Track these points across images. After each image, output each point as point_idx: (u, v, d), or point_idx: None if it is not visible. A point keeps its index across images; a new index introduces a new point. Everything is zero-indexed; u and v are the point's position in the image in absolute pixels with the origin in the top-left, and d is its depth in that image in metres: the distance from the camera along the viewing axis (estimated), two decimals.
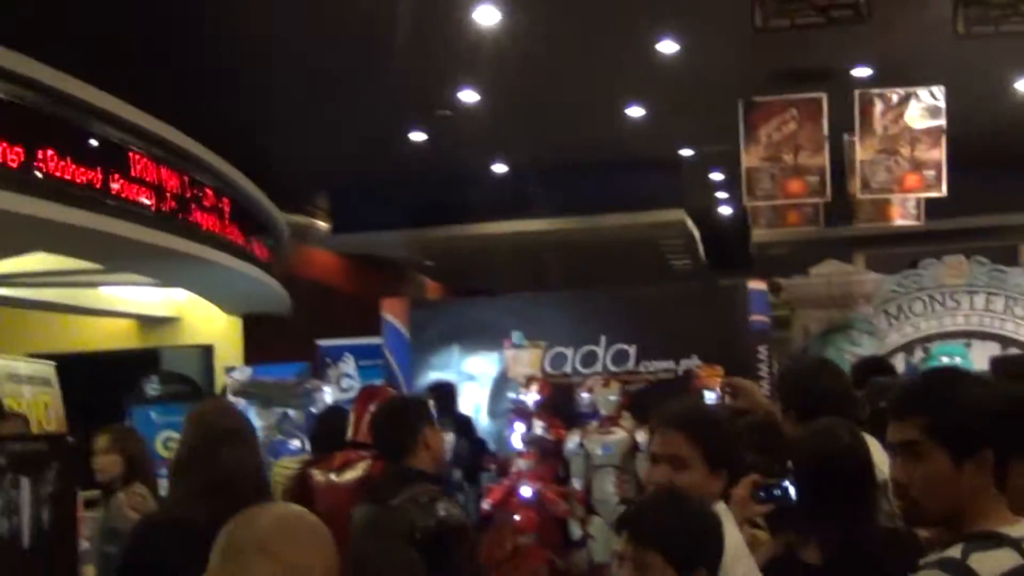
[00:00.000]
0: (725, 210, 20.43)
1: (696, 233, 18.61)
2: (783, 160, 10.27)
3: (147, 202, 9.62)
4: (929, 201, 12.61)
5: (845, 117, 11.37)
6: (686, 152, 15.56)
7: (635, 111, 12.72)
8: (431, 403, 8.09)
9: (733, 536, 2.90)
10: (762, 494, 3.35)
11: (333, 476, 5.42)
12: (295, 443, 9.60)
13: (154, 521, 4.11)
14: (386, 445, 4.32)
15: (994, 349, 13.92)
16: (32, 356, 11.25)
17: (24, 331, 14.36)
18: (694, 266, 21.69)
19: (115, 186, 9.09)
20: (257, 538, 2.14)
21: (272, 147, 13.71)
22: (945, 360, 11.20)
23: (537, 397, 9.40)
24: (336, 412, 6.78)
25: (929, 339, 13.44)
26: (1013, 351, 13.88)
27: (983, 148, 12.93)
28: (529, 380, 9.59)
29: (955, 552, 2.28)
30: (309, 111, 12.38)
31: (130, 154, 9.50)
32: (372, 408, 5.52)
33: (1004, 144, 14.51)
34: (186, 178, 10.51)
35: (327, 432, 6.24)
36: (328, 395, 9.99)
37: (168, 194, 10.13)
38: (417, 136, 13.58)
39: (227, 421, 3.93)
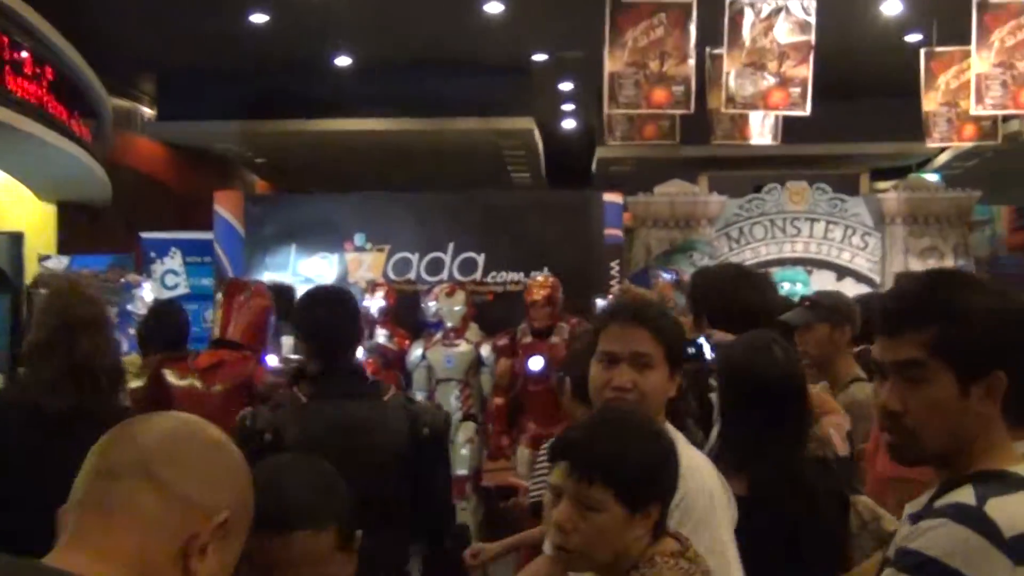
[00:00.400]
0: (569, 124, 20.21)
1: (540, 145, 18.28)
2: (648, 67, 9.88)
3: None
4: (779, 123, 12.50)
5: (708, 30, 11.05)
6: (539, 58, 15.14)
7: (492, 7, 12.19)
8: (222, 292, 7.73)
9: (691, 460, 2.49)
10: None
11: (196, 381, 5.05)
12: None
13: (4, 399, 4.12)
14: (335, 337, 3.88)
15: (831, 278, 14.10)
16: None
17: None
18: (534, 180, 21.50)
19: None
20: (139, 459, 1.57)
21: (98, 19, 12.76)
22: (788, 288, 11.13)
23: (382, 303, 8.98)
24: (172, 306, 6.25)
25: (768, 264, 13.47)
26: (849, 280, 14.07)
27: (838, 72, 12.81)
28: (373, 285, 9.26)
29: (967, 497, 1.90)
30: None
31: None
32: (241, 300, 5.26)
33: (859, 69, 14.49)
34: (3, 38, 9.50)
35: (162, 328, 5.69)
36: (148, 291, 9.31)
37: None
38: (257, 17, 12.81)
39: (85, 308, 3.81)
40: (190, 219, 12.33)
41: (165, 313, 6.00)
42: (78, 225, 14.80)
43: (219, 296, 5.66)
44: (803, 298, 4.91)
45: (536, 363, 8.22)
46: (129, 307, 9.21)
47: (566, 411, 4.10)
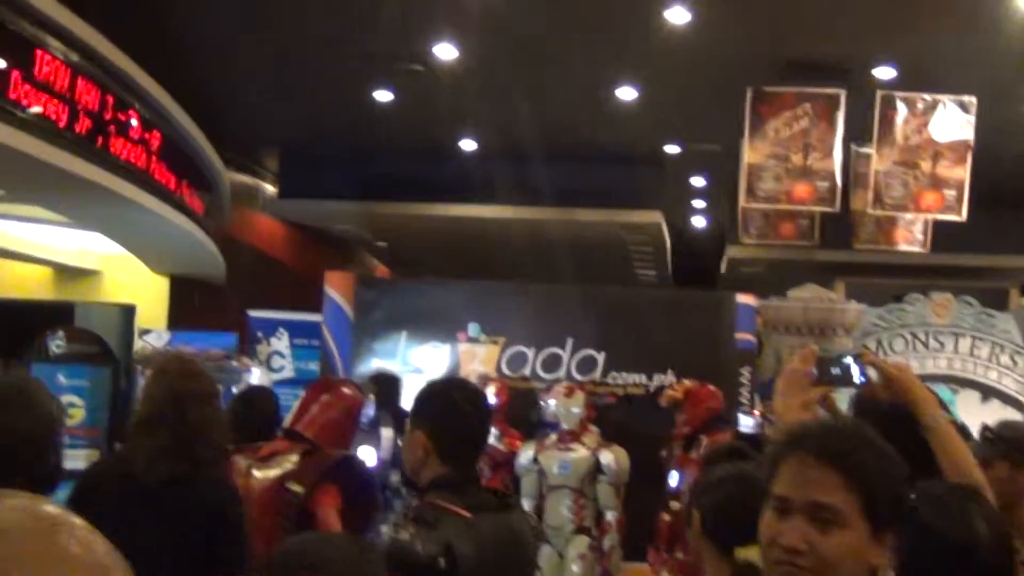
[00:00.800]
0: (699, 221, 19.71)
1: (668, 241, 17.77)
2: (791, 160, 9.29)
3: (52, 115, 8.26)
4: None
5: (854, 125, 10.44)
6: (671, 149, 14.66)
7: (626, 93, 11.76)
8: (371, 396, 7.28)
9: None
10: (817, 371, 2.72)
11: (255, 471, 4.81)
12: None
13: (100, 470, 4.16)
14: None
15: (975, 398, 13.22)
16: None
17: None
18: (659, 277, 20.97)
19: (14, 87, 7.73)
20: None
21: (219, 90, 12.63)
22: None
23: (494, 400, 8.46)
24: (264, 393, 5.87)
25: None
26: (995, 402, 13.18)
27: (989, 178, 12.05)
28: (485, 379, 8.80)
29: None
30: (264, 53, 11.28)
31: (37, 51, 8.12)
32: (324, 399, 5.01)
33: (1012, 176, 13.70)
34: (109, 97, 9.21)
35: (251, 416, 5.33)
36: (256, 376, 8.92)
37: (82, 111, 8.76)
38: (382, 95, 12.55)
39: (195, 382, 3.88)
40: (304, 300, 12.01)
41: (253, 401, 5.62)
42: (190, 300, 14.66)
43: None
44: (984, 428, 4.20)
45: (672, 479, 7.59)
46: (234, 390, 8.83)
47: (693, 548, 3.45)
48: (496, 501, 3.26)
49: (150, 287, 14.35)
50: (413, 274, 20.72)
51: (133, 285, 14.28)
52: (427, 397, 3.38)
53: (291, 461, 4.75)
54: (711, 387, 7.92)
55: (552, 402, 8.37)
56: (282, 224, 17.79)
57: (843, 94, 9.61)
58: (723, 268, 18.54)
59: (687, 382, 8.12)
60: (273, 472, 4.80)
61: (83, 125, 8.75)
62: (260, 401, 5.67)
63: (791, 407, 2.69)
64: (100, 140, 9.19)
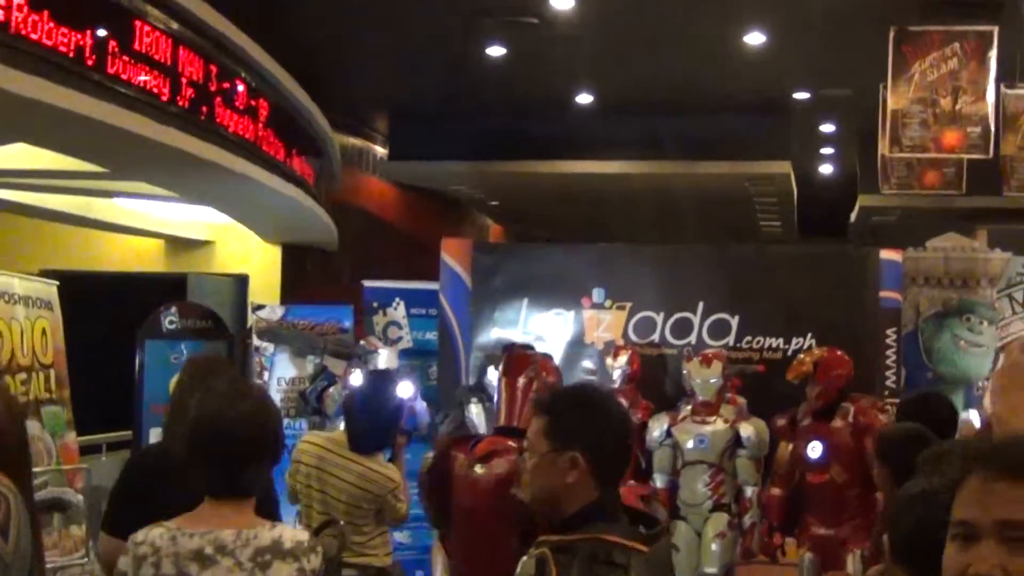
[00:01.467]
0: (827, 169, 19.16)
1: (795, 190, 17.26)
2: (939, 104, 8.74)
3: (154, 88, 8.02)
4: None
5: (1004, 62, 9.86)
6: (800, 96, 14.16)
7: (754, 39, 11.28)
8: (495, 366, 7.06)
9: None
10: None
11: (477, 467, 4.82)
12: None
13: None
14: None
15: None
16: (41, 273, 10.08)
17: (32, 244, 13.27)
18: (785, 230, 20.52)
19: (112, 60, 7.42)
20: None
21: (325, 52, 12.47)
22: None
23: (625, 368, 8.24)
24: (379, 399, 5.65)
25: None
26: None
27: None
28: (616, 348, 8.49)
29: None
30: (370, 10, 11.06)
31: (136, 22, 7.83)
32: (525, 382, 4.98)
33: None
34: (213, 67, 8.94)
35: (370, 430, 5.24)
36: (383, 358, 8.75)
37: (185, 82, 8.51)
38: (495, 50, 12.25)
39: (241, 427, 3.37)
40: (418, 265, 11.84)
41: (373, 411, 5.45)
42: (303, 269, 14.58)
43: (495, 374, 5.77)
44: None
45: (815, 450, 7.18)
46: (357, 375, 8.65)
47: None
48: (648, 527, 2.88)
49: (262, 256, 14.28)
50: (530, 236, 20.55)
51: (245, 255, 14.22)
52: (581, 410, 2.95)
53: (510, 461, 4.64)
54: (839, 352, 7.52)
55: (687, 370, 8.01)
56: (393, 187, 17.67)
57: (995, 31, 9.00)
58: (853, 217, 18.01)
59: (816, 351, 7.68)
60: (496, 471, 4.70)
61: (186, 97, 8.52)
62: (380, 412, 5.61)
63: (1018, 409, 2.29)
64: (205, 112, 8.96)
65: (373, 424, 5.60)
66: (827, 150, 17.98)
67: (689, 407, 7.96)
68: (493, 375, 8.09)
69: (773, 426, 7.69)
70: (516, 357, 5.51)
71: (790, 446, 7.49)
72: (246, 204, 11.48)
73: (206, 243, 14.20)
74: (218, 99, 9.14)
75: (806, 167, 17.69)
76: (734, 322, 9.11)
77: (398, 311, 10.41)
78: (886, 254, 9.35)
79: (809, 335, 8.83)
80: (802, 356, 7.86)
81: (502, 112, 14.94)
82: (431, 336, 10.11)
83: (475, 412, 7.85)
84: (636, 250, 10.13)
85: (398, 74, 13.58)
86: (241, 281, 13.94)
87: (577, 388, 3.25)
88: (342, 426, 5.88)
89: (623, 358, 8.32)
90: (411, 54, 12.63)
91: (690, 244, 12.36)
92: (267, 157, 10.34)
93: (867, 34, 9.74)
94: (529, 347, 8.91)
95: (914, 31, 8.95)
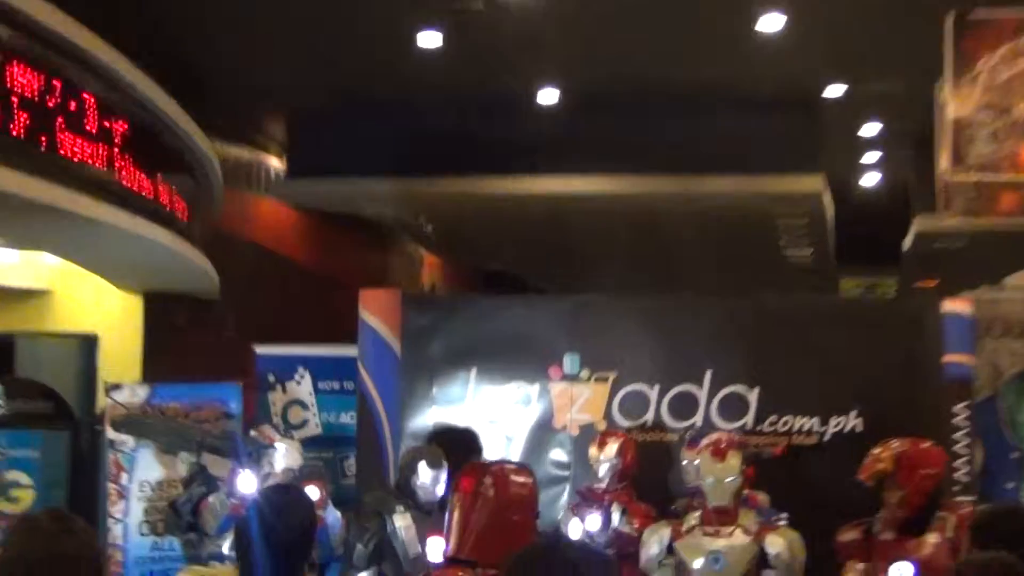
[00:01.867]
0: (871, 180, 19.56)
1: (830, 212, 17.61)
2: (1012, 111, 8.97)
3: None
4: None
5: None
6: (833, 91, 14.45)
7: (772, 22, 11.59)
8: (428, 462, 7.11)
9: None
10: None
11: None
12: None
13: None
14: None
15: None
16: None
17: None
18: (818, 260, 20.84)
19: None
20: None
21: (203, 41, 12.65)
22: None
23: (614, 461, 8.45)
24: (287, 515, 5.60)
25: None
26: None
27: None
28: (603, 435, 8.71)
29: None
30: None
31: None
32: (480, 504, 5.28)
33: None
34: (55, 81, 9.04)
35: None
36: (281, 456, 8.77)
37: (17, 100, 8.59)
38: (427, 39, 12.49)
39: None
40: (331, 322, 11.89)
41: (275, 545, 5.41)
42: (172, 325, 14.66)
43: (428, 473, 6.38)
44: None
45: (903, 573, 7.24)
46: (243, 479, 8.67)
47: None
48: None
49: (117, 309, 14.34)
50: (478, 274, 20.67)
51: (94, 306, 14.25)
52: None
53: None
54: (926, 445, 7.58)
55: (696, 464, 8.08)
56: (294, 211, 17.82)
57: None
58: (907, 244, 18.31)
59: (896, 443, 7.74)
60: None
61: (20, 123, 8.64)
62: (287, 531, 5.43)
63: None
64: (44, 141, 9.08)
65: (276, 564, 5.60)
66: (870, 158, 18.33)
67: (697, 514, 8.02)
68: (426, 474, 8.18)
69: (837, 542, 7.72)
70: (470, 470, 5.68)
71: (859, 566, 7.55)
72: (96, 250, 11.62)
73: (41, 293, 14.17)
74: (60, 120, 9.27)
75: (843, 181, 18.02)
76: (753, 396, 9.26)
77: (302, 386, 10.48)
78: (952, 305, 9.50)
79: (853, 413, 9.04)
80: (877, 451, 7.89)
81: (439, 115, 15.13)
82: (347, 419, 10.19)
83: (400, 525, 7.91)
84: (620, 301, 10.29)
85: (300, 66, 13.80)
86: (88, 344, 13.93)
87: (525, 554, 3.34)
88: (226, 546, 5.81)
89: (612, 448, 8.46)
90: (318, 41, 12.83)
91: (693, 292, 12.51)
92: (124, 193, 10.48)
93: (919, 14, 9.98)
94: (467, 433, 9.07)
95: (976, 20, 9.16)
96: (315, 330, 11.63)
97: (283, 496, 6.23)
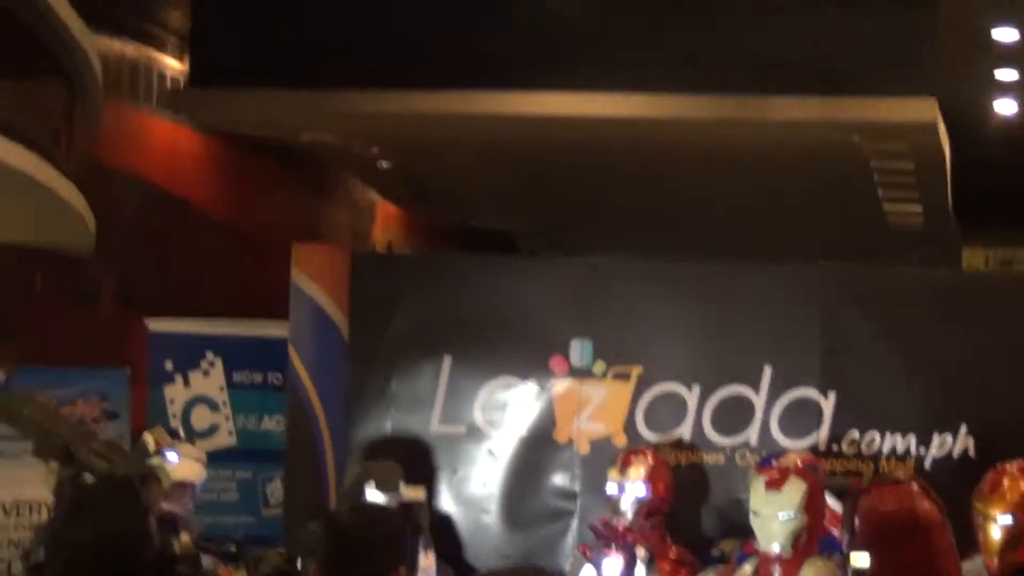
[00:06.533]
0: (1007, 108, 19.67)
1: (947, 149, 17.75)
2: None
3: None
4: None
5: None
6: None
7: None
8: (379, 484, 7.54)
9: None
10: None
11: None
12: None
13: None
14: None
15: None
16: None
17: None
18: (930, 221, 20.93)
19: None
20: None
21: None
22: None
23: (644, 492, 8.72)
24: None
25: None
26: None
27: None
28: (627, 455, 9.02)
29: None
30: None
31: None
32: None
33: None
34: None
35: None
36: (179, 464, 9.04)
37: None
38: None
39: None
40: (250, 290, 12.14)
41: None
42: (31, 285, 14.75)
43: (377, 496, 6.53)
44: None
45: None
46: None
47: None
48: None
49: None
50: (450, 225, 20.82)
51: None
52: None
53: None
54: None
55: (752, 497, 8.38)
56: (198, 135, 17.88)
57: None
58: None
59: (1015, 468, 8.06)
60: None
61: None
62: None
63: None
64: None
65: None
66: (1008, 75, 18.54)
67: (748, 567, 8.33)
68: (375, 497, 8.44)
69: None
70: None
71: None
72: None
73: None
74: None
75: (969, 108, 18.30)
76: (827, 404, 9.53)
77: (211, 378, 10.78)
78: None
79: (963, 428, 9.36)
80: (1006, 480, 8.14)
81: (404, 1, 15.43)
82: (272, 425, 10.50)
83: None
84: (649, 268, 10.48)
85: None
86: None
87: None
88: None
89: (638, 471, 8.82)
90: None
91: (748, 257, 12.63)
92: None
93: None
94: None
95: None
96: (227, 301, 11.79)
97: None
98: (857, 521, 8.20)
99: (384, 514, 4.87)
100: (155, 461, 8.86)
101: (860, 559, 7.90)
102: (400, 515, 5.87)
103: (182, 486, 8.68)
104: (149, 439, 9.20)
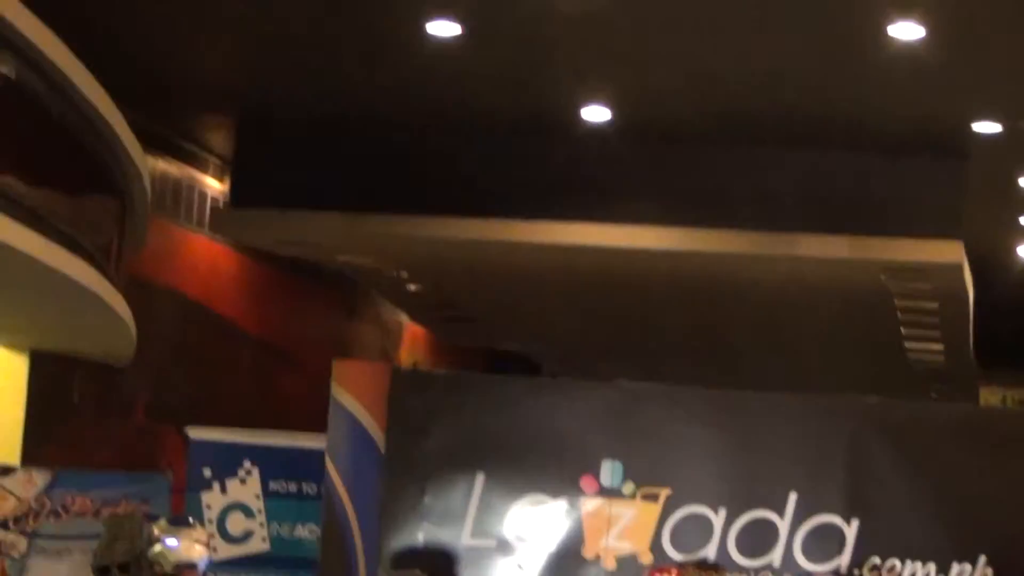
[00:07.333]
0: None
1: (971, 291, 17.81)
2: None
3: None
4: None
5: None
6: (984, 129, 14.81)
7: (904, 32, 11.90)
8: None
9: None
10: None
11: None
12: None
13: None
14: None
15: None
16: None
17: None
18: (951, 361, 20.89)
19: None
20: None
21: (129, 22, 13.06)
22: None
23: None
24: None
25: None
26: None
27: None
28: (652, 573, 9.20)
29: None
30: None
31: None
32: None
33: None
34: None
35: None
36: (174, 542, 9.17)
37: None
38: (440, 28, 12.81)
39: None
40: (285, 404, 12.25)
41: None
42: (66, 395, 14.75)
43: None
44: None
45: None
46: None
47: None
48: None
49: None
50: (481, 349, 20.74)
51: None
52: None
53: None
54: None
55: None
56: (235, 252, 18.07)
57: None
58: None
59: None
60: None
61: None
62: None
63: None
64: None
65: None
66: None
67: None
68: None
69: None
70: None
71: None
72: None
73: None
74: None
75: (992, 251, 18.46)
76: (850, 531, 9.64)
77: (248, 486, 10.87)
78: None
79: (981, 559, 9.46)
80: None
81: (440, 134, 15.68)
82: (305, 534, 10.60)
83: None
84: (678, 395, 10.59)
85: (258, 60, 14.32)
86: None
87: None
88: None
89: None
90: (283, 26, 13.21)
91: (771, 386, 12.64)
92: (22, 203, 10.71)
93: None
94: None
95: None
96: (258, 413, 11.85)
97: None
98: None
99: None
100: (156, 549, 9.08)
101: None
102: None
103: (189, 567, 8.77)
104: (154, 530, 9.37)
